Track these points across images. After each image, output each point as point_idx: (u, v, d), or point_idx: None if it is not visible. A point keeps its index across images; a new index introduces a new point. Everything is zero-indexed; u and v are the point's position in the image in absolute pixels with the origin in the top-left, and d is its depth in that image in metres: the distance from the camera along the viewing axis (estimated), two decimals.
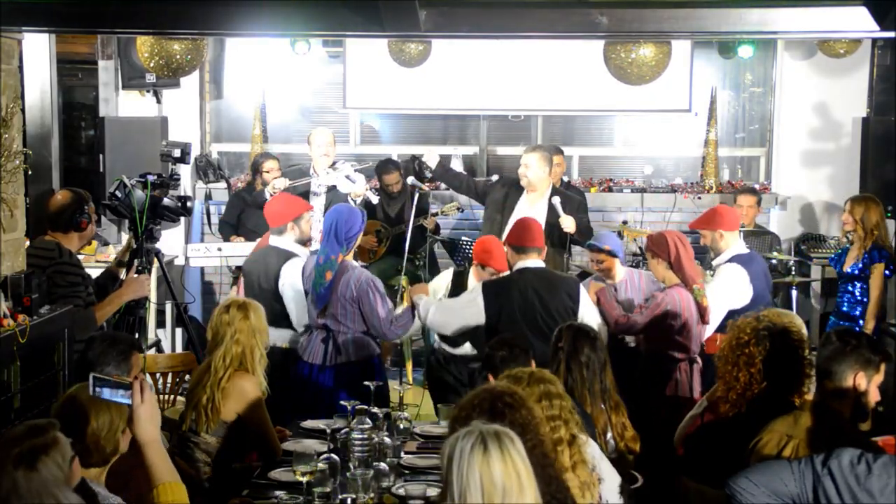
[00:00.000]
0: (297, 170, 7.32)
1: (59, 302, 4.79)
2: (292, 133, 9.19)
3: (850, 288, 6.66)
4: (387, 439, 4.08)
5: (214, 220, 8.19)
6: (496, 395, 2.96)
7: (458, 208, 7.82)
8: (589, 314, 5.16)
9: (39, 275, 4.75)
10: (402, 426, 4.30)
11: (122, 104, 8.42)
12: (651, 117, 9.03)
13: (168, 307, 7.28)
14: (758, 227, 7.95)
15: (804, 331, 3.97)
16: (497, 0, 4.98)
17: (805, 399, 3.63)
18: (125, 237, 7.62)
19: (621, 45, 6.30)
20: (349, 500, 3.59)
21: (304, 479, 3.60)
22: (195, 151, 8.51)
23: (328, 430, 4.12)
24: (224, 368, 4.22)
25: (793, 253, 8.31)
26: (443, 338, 5.75)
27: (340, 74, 8.76)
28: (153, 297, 6.25)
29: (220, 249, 7.07)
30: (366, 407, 4.21)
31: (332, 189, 7.00)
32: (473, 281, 5.72)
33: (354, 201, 6.83)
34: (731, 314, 5.39)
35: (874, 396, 3.39)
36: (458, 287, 5.81)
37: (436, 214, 7.77)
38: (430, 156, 7.04)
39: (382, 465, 3.87)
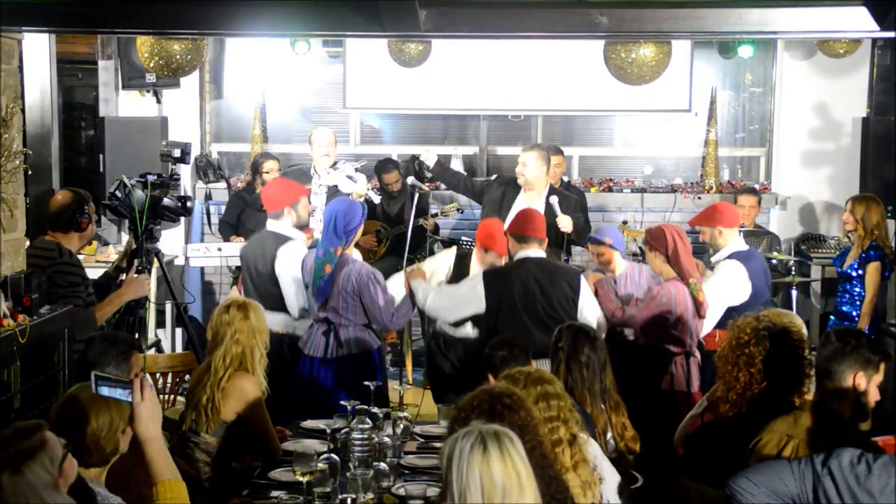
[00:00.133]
0: (298, 170, 7.32)
1: (59, 302, 4.79)
2: (292, 133, 9.19)
3: (848, 287, 6.68)
4: (387, 439, 4.09)
5: (214, 220, 8.19)
6: (495, 397, 2.96)
7: (457, 209, 7.82)
8: (589, 305, 5.18)
9: (39, 275, 4.75)
10: (402, 426, 4.29)
11: (122, 104, 8.42)
12: (651, 117, 9.02)
13: (168, 307, 7.28)
14: (758, 227, 7.95)
15: (804, 331, 3.97)
16: (497, 0, 4.98)
17: (805, 399, 3.63)
18: (125, 237, 7.63)
19: (621, 45, 6.30)
20: (349, 500, 3.59)
21: (304, 479, 3.60)
22: (195, 151, 8.51)
23: (328, 430, 4.12)
24: (224, 368, 4.22)
25: (793, 253, 8.31)
26: None
27: (340, 74, 8.76)
28: (153, 297, 6.25)
29: (220, 249, 7.07)
30: (366, 407, 4.21)
31: (332, 189, 7.00)
32: (476, 263, 5.73)
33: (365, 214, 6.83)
34: (731, 310, 5.42)
35: (874, 396, 3.39)
36: (460, 270, 5.81)
37: (436, 215, 7.77)
38: (429, 154, 7.04)
39: (382, 465, 3.87)
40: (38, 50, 5.65)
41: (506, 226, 5.60)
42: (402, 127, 9.39)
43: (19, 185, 4.95)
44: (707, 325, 5.38)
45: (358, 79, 8.70)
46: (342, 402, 4.33)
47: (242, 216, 7.55)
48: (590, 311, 5.19)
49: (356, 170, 7.08)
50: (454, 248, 6.03)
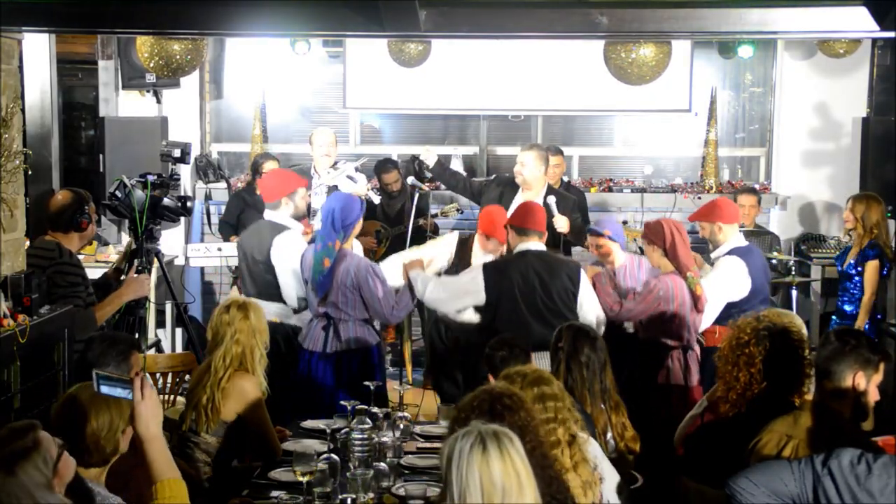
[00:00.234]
0: (298, 169, 7.32)
1: (59, 302, 4.79)
2: (292, 133, 9.19)
3: (849, 286, 6.68)
4: (387, 439, 4.09)
5: (214, 220, 8.19)
6: (495, 397, 2.96)
7: (457, 209, 7.82)
8: (589, 299, 5.18)
9: (39, 275, 4.75)
10: (402, 426, 4.29)
11: (122, 104, 8.42)
12: (651, 117, 9.03)
13: (168, 307, 7.29)
14: (758, 227, 7.95)
15: (804, 331, 3.97)
16: (497, 0, 4.98)
17: (805, 399, 3.63)
18: (125, 237, 7.64)
19: (621, 45, 6.30)
20: (349, 500, 3.59)
21: (304, 479, 3.60)
22: (195, 151, 8.51)
23: (328, 430, 4.13)
24: (224, 368, 4.22)
25: (793, 253, 8.31)
26: None
27: (340, 74, 8.76)
28: (153, 297, 6.25)
29: (220, 249, 7.08)
30: (366, 407, 4.21)
31: (333, 189, 7.00)
32: (478, 249, 5.73)
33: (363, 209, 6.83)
34: (730, 306, 5.44)
35: (873, 396, 3.39)
36: (462, 255, 5.82)
37: (435, 215, 7.76)
38: (429, 154, 7.04)
39: (382, 465, 3.87)
40: (38, 50, 5.64)
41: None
42: (402, 127, 9.40)
43: (19, 185, 4.95)
44: (706, 321, 5.38)
45: (358, 79, 8.70)
46: (342, 402, 4.34)
47: (242, 216, 7.54)
48: (589, 305, 5.18)
49: (356, 169, 7.08)
50: (456, 234, 6.05)
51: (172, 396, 5.48)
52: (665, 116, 8.97)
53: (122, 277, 5.49)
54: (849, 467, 2.86)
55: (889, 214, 7.11)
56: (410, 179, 7.23)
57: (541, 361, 4.64)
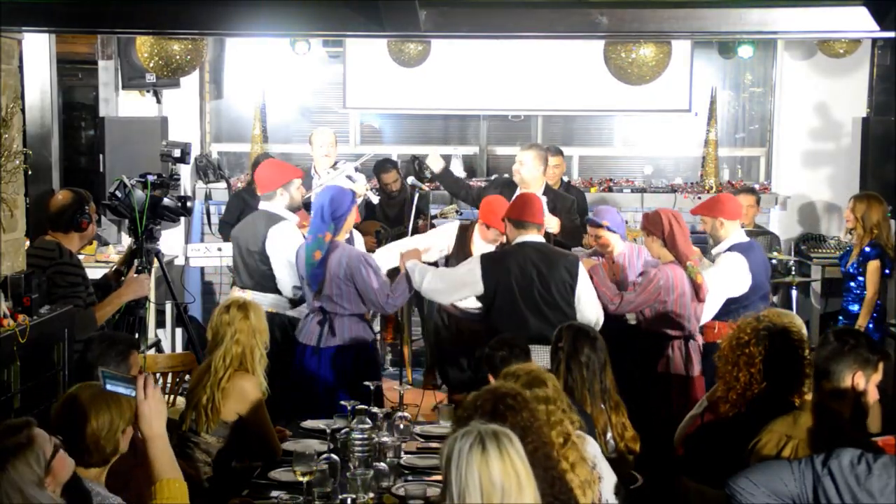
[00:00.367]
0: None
1: (59, 302, 4.79)
2: (292, 133, 9.19)
3: (852, 286, 6.68)
4: (387, 439, 4.09)
5: (214, 220, 8.19)
6: (498, 397, 2.96)
7: (457, 211, 7.83)
8: (587, 292, 5.15)
9: (39, 275, 4.75)
10: (402, 426, 4.29)
11: (122, 104, 8.42)
12: (651, 117, 9.03)
13: (168, 307, 7.29)
14: (758, 227, 7.94)
15: (804, 331, 3.97)
16: (497, 0, 4.98)
17: (805, 399, 3.63)
18: (125, 237, 7.63)
19: (621, 45, 6.30)
20: (349, 500, 3.59)
21: (304, 479, 3.60)
22: (195, 151, 8.51)
23: (328, 430, 4.13)
24: (224, 368, 4.22)
25: (793, 253, 8.31)
26: None
27: (340, 74, 8.77)
28: (153, 297, 6.25)
29: (220, 249, 7.08)
30: (366, 407, 4.21)
31: None
32: (478, 239, 5.72)
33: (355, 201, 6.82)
34: (730, 302, 5.44)
35: (873, 396, 3.39)
36: (462, 244, 5.81)
37: (435, 216, 7.76)
38: (434, 159, 7.02)
39: (382, 465, 3.87)
40: (38, 50, 5.64)
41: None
42: (402, 127, 9.40)
43: (19, 185, 4.95)
44: (706, 316, 5.39)
45: (358, 79, 8.70)
46: (342, 402, 4.34)
47: (242, 216, 7.51)
48: (587, 298, 5.14)
49: (356, 169, 7.08)
50: (456, 223, 6.05)
51: (172, 396, 5.48)
52: (665, 116, 8.97)
53: (122, 279, 5.49)
54: (849, 467, 2.86)
55: (889, 214, 7.11)
56: (410, 179, 7.23)
57: (537, 354, 4.64)
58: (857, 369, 3.34)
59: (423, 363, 7.73)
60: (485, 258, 5.22)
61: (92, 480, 3.15)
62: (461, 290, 5.23)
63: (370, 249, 7.66)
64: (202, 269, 8.68)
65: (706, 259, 5.82)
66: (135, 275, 5.42)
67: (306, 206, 6.13)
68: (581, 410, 3.88)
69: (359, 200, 6.88)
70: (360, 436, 3.94)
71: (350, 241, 5.82)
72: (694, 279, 5.16)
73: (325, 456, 3.84)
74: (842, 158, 8.72)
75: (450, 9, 4.88)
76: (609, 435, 4.15)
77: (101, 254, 7.52)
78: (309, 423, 4.57)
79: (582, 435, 3.35)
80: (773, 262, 7.25)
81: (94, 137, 8.69)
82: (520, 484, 2.52)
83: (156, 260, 5.67)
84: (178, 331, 7.32)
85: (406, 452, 4.17)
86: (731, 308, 5.43)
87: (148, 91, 8.44)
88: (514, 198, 5.67)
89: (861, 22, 4.71)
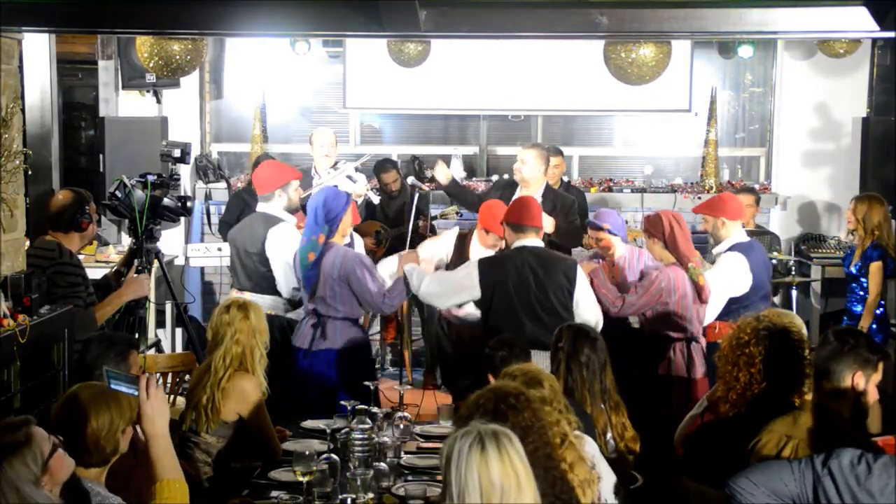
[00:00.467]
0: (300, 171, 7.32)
1: (59, 302, 4.79)
2: (292, 133, 9.19)
3: (855, 287, 6.68)
4: (387, 439, 4.09)
5: (214, 220, 8.18)
6: (500, 396, 2.96)
7: (457, 212, 7.84)
8: (585, 297, 5.12)
9: (39, 275, 4.75)
10: (402, 426, 4.29)
11: (122, 104, 8.42)
12: (651, 117, 9.03)
13: (168, 307, 7.29)
14: (758, 227, 7.94)
15: (804, 331, 3.97)
16: (497, 0, 4.98)
17: (805, 399, 3.63)
18: (125, 237, 7.63)
19: (621, 45, 6.30)
20: (349, 500, 3.59)
21: (304, 479, 3.60)
22: (195, 151, 8.51)
23: (328, 430, 4.13)
24: (224, 368, 4.22)
25: (793, 253, 8.31)
26: None
27: (340, 74, 8.76)
28: (153, 297, 6.25)
29: (220, 249, 7.08)
30: (366, 407, 4.21)
31: None
32: (476, 244, 5.72)
33: (356, 201, 6.82)
34: (732, 302, 5.45)
35: (873, 395, 3.39)
36: (461, 250, 5.81)
37: (435, 217, 7.76)
38: (441, 171, 6.98)
39: (382, 465, 3.87)
40: (38, 50, 5.64)
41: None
42: (402, 127, 9.40)
43: (19, 185, 4.95)
44: (709, 317, 5.40)
45: (358, 79, 8.70)
46: (342, 403, 4.34)
47: (242, 216, 7.51)
48: (586, 303, 5.11)
49: (356, 169, 7.08)
50: (455, 230, 6.05)
51: (172, 396, 5.48)
52: (665, 116, 8.97)
53: (122, 279, 5.49)
54: (849, 467, 2.86)
55: (890, 214, 7.11)
56: (410, 179, 7.22)
57: (534, 359, 4.63)
58: (857, 369, 3.34)
59: (423, 363, 7.74)
60: (482, 262, 5.20)
61: (92, 480, 3.15)
62: (459, 293, 5.21)
63: (370, 249, 7.69)
64: (202, 269, 8.68)
65: (706, 262, 5.83)
66: (135, 275, 5.41)
67: (304, 207, 6.13)
68: (581, 411, 3.88)
69: (359, 201, 6.90)
70: (360, 436, 3.94)
71: (350, 244, 5.82)
72: (696, 281, 5.16)
73: (325, 456, 3.85)
74: (842, 158, 8.72)
75: (450, 9, 4.88)
76: (609, 435, 4.14)
77: (101, 254, 7.52)
78: (309, 423, 4.57)
79: (580, 435, 3.35)
80: (773, 262, 7.25)
81: (94, 137, 8.69)
82: (519, 484, 2.52)
83: (156, 260, 5.67)
84: (178, 331, 7.32)
85: (406, 452, 4.18)
86: (731, 308, 5.44)
87: (148, 91, 8.44)
88: (511, 201, 5.65)
89: (861, 22, 4.71)
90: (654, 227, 5.27)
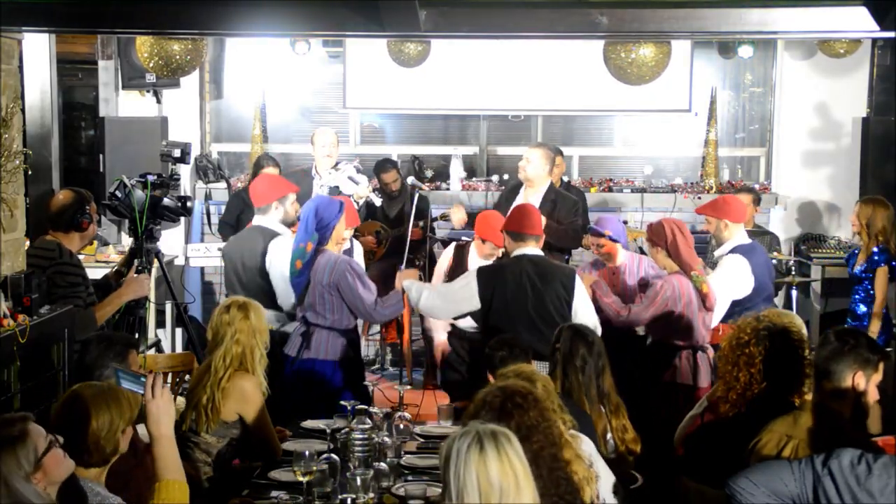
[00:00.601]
0: (301, 171, 7.32)
1: (59, 302, 4.79)
2: (292, 133, 9.19)
3: (858, 288, 6.66)
4: (387, 439, 4.09)
5: (214, 220, 8.18)
6: (508, 395, 2.95)
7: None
8: (583, 306, 5.09)
9: (39, 275, 4.75)
10: (402, 426, 4.29)
11: (122, 104, 8.42)
12: (651, 117, 9.03)
13: (168, 307, 7.28)
14: (758, 227, 7.94)
15: (804, 331, 3.97)
16: (497, 0, 4.98)
17: (805, 399, 3.63)
18: (125, 237, 7.63)
19: (621, 45, 6.30)
20: (349, 500, 3.59)
21: (304, 479, 3.60)
22: (195, 151, 8.51)
23: (328, 430, 4.13)
24: (224, 368, 4.22)
25: (793, 253, 8.31)
26: None
27: (340, 74, 8.76)
28: (153, 297, 6.25)
29: (220, 249, 7.07)
30: (366, 407, 4.21)
31: (334, 190, 6.99)
32: (474, 254, 5.71)
33: (357, 203, 6.82)
34: (734, 304, 5.45)
35: (873, 396, 3.39)
36: (459, 260, 5.80)
37: (435, 219, 7.76)
38: (456, 213, 6.95)
39: (382, 465, 3.87)
40: (38, 50, 5.64)
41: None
42: (402, 127, 9.40)
43: (19, 185, 4.95)
44: (714, 321, 5.38)
45: (358, 79, 8.70)
46: (342, 403, 4.34)
47: (242, 216, 7.53)
48: (584, 313, 5.07)
49: (358, 170, 7.08)
50: (452, 245, 6.05)
51: (173, 396, 5.47)
52: (665, 116, 8.97)
53: (122, 279, 5.48)
54: (849, 467, 2.85)
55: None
56: (410, 179, 7.22)
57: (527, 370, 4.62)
58: (858, 369, 3.34)
59: (423, 363, 7.73)
60: (481, 271, 5.18)
61: (92, 480, 3.15)
62: (459, 305, 5.18)
63: (370, 250, 7.69)
64: (202, 269, 8.68)
65: (707, 268, 5.83)
66: (135, 275, 5.41)
67: None
68: (580, 411, 3.88)
69: (361, 202, 6.89)
70: (360, 436, 3.94)
71: (350, 249, 5.81)
72: (699, 288, 5.14)
73: (325, 456, 3.84)
74: (842, 158, 8.72)
75: (450, 9, 4.88)
76: (609, 436, 4.14)
77: (101, 254, 7.52)
78: (309, 423, 4.57)
79: (575, 434, 3.34)
80: (773, 262, 7.26)
81: (94, 137, 8.69)
82: (518, 484, 2.52)
83: (156, 260, 5.67)
84: (178, 331, 7.32)
85: (406, 452, 4.18)
86: (734, 310, 5.42)
87: (148, 91, 8.44)
88: (510, 210, 5.63)
89: (861, 22, 4.71)
90: (657, 235, 5.25)
